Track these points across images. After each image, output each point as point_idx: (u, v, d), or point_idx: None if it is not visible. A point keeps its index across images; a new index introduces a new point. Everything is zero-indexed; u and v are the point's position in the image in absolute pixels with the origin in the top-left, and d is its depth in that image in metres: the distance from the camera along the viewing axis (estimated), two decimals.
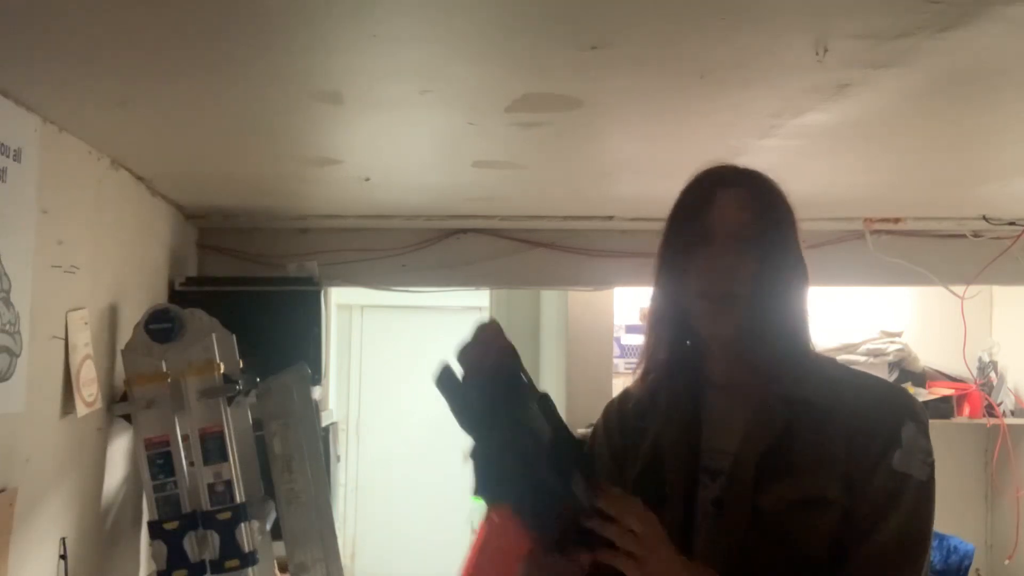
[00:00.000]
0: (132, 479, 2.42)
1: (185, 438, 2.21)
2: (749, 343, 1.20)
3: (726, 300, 1.17)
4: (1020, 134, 2.03)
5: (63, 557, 1.96)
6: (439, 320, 5.42)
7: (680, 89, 1.68)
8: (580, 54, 1.46)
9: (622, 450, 1.30)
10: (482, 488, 1.06)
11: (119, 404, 2.25)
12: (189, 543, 2.15)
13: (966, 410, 3.72)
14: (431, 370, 1.06)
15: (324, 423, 2.88)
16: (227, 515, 2.17)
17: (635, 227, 3.17)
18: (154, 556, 2.18)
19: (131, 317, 2.32)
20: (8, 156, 1.67)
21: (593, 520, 1.06)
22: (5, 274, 1.67)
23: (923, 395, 3.64)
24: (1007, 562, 3.80)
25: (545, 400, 1.09)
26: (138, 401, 2.18)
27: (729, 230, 1.18)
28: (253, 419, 2.44)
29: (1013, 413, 3.79)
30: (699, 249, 1.18)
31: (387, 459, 5.96)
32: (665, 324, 1.26)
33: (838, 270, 3.21)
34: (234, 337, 2.35)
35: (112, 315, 2.30)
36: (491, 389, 1.04)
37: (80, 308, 2.05)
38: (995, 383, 3.77)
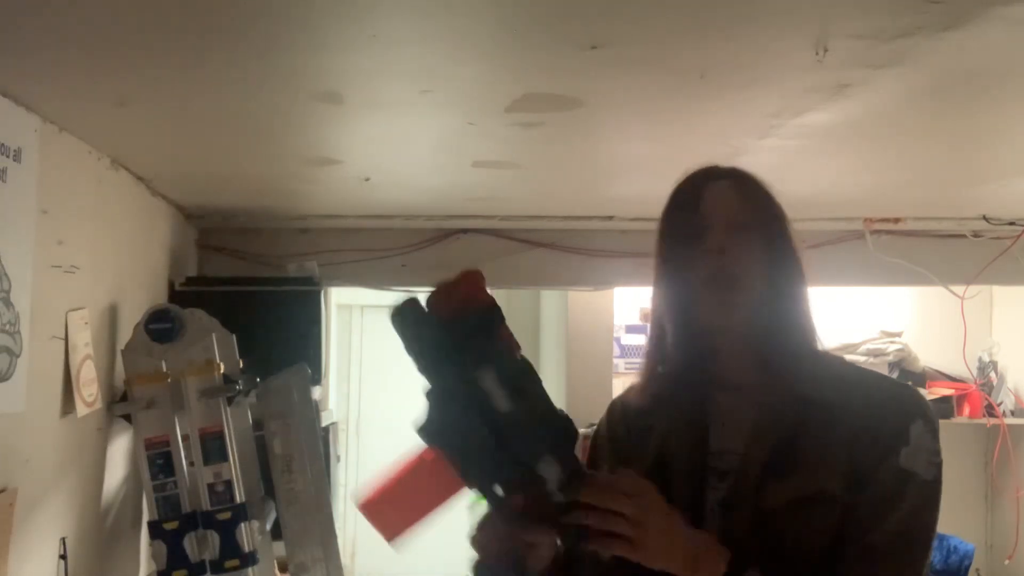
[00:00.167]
0: (132, 479, 2.42)
1: (185, 438, 2.21)
2: (757, 339, 1.19)
3: (730, 284, 1.16)
4: (1020, 134, 2.03)
5: (63, 557, 1.96)
6: None
7: (680, 89, 1.68)
8: (580, 54, 1.46)
9: (627, 450, 1.29)
10: (424, 428, 1.03)
11: (119, 404, 2.25)
12: (189, 543, 2.15)
13: (966, 410, 3.73)
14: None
15: (324, 423, 2.88)
16: (227, 515, 2.17)
17: (635, 227, 3.17)
18: (154, 556, 2.18)
19: (131, 317, 2.32)
20: (8, 156, 1.67)
21: (572, 515, 1.05)
22: (5, 274, 1.67)
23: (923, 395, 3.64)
24: (1007, 562, 3.81)
25: (520, 371, 1.04)
26: (138, 401, 2.18)
27: (723, 217, 1.18)
28: (253, 419, 2.44)
29: (1013, 413, 3.79)
30: (696, 241, 1.19)
31: (387, 459, 5.94)
32: (669, 322, 1.25)
33: (838, 270, 3.21)
34: (234, 337, 2.35)
35: (112, 315, 2.30)
36: (447, 336, 1.00)
37: (80, 308, 2.05)
38: (995, 383, 3.77)
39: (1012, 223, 3.17)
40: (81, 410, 2.03)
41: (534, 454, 1.04)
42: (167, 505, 2.16)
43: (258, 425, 2.46)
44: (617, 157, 2.32)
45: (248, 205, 3.03)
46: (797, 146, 2.08)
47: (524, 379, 1.04)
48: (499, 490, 1.06)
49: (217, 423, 2.21)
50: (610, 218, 3.17)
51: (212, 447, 2.20)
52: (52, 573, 1.94)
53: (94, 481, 2.21)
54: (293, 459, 2.44)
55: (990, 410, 3.72)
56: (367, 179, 2.55)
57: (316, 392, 2.77)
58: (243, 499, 2.21)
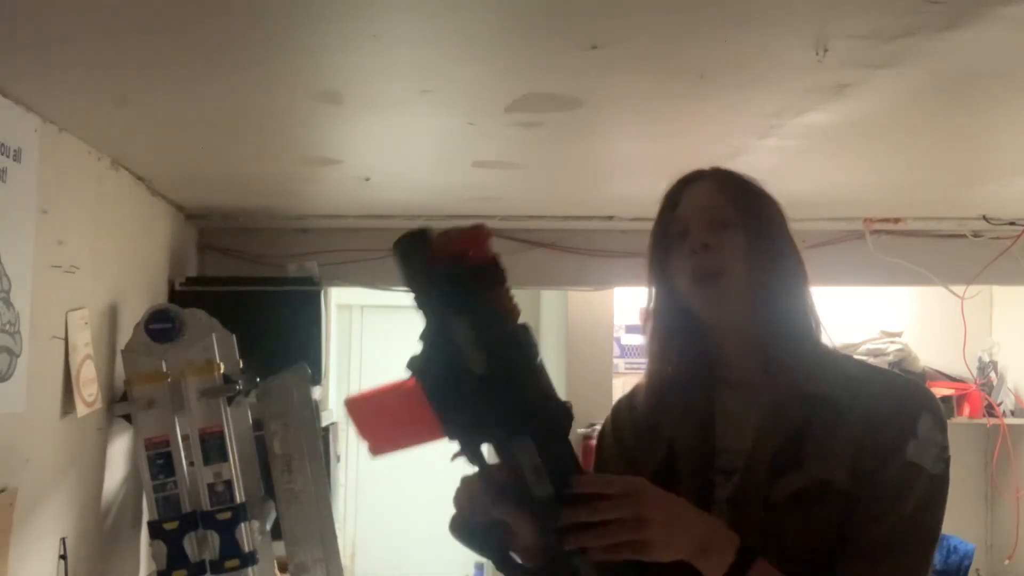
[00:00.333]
0: (132, 479, 2.42)
1: (185, 438, 2.21)
2: (756, 336, 1.19)
3: (715, 276, 1.17)
4: (1020, 134, 2.03)
5: (63, 557, 1.96)
6: None
7: (680, 89, 1.68)
8: (580, 54, 1.46)
9: (635, 451, 1.28)
10: (411, 362, 1.00)
11: (119, 404, 2.25)
12: (189, 543, 2.15)
13: (966, 410, 3.73)
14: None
15: (324, 423, 2.88)
16: (227, 515, 2.17)
17: (635, 227, 3.16)
18: (154, 556, 2.18)
19: (131, 317, 2.32)
20: (8, 156, 1.67)
21: (570, 538, 1.01)
22: (5, 274, 1.67)
23: None
24: (1007, 562, 3.81)
25: (506, 337, 0.99)
26: (138, 401, 2.18)
27: (702, 217, 1.20)
28: (253, 419, 2.44)
29: (1013, 413, 3.79)
30: (679, 242, 1.21)
31: (387, 459, 5.95)
32: (668, 322, 1.25)
33: (838, 270, 3.21)
34: (234, 337, 2.35)
35: (112, 315, 2.30)
36: (439, 279, 0.97)
37: (80, 308, 2.05)
38: (995, 383, 3.78)
39: (1012, 223, 3.17)
40: (81, 410, 2.03)
41: (507, 429, 1.00)
42: (167, 505, 2.16)
43: (258, 425, 2.46)
44: (617, 157, 2.32)
45: (248, 205, 3.03)
46: (797, 146, 2.08)
47: (508, 346, 1.00)
48: (483, 452, 1.03)
49: (217, 423, 2.21)
50: (610, 218, 3.17)
51: (212, 447, 2.20)
52: (52, 573, 1.94)
53: (94, 481, 2.21)
54: (293, 459, 2.44)
55: (990, 410, 3.72)
56: (367, 179, 2.55)
57: (316, 392, 2.76)
58: (243, 499, 2.21)
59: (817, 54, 1.43)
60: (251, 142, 2.15)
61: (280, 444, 2.45)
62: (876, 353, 3.76)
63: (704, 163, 1.29)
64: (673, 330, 1.26)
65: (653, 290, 1.28)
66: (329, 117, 1.88)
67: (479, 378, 0.98)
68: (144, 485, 2.19)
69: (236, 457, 2.24)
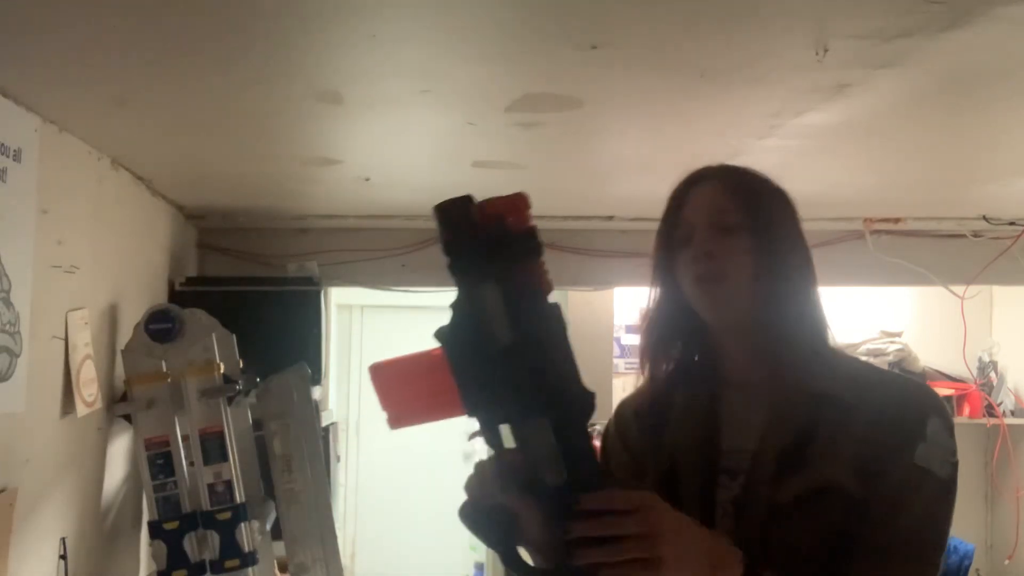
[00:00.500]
0: (132, 479, 2.42)
1: (185, 438, 2.21)
2: (761, 336, 1.18)
3: (718, 279, 1.16)
4: (1020, 134, 2.03)
5: (63, 557, 1.96)
6: (439, 320, 5.36)
7: (680, 89, 1.68)
8: (580, 54, 1.46)
9: (641, 452, 1.27)
10: (439, 331, 0.98)
11: (119, 404, 2.25)
12: (189, 543, 2.15)
13: (966, 410, 3.73)
14: None
15: (324, 423, 2.88)
16: (227, 515, 2.17)
17: (635, 227, 3.17)
18: (154, 556, 2.18)
19: (131, 317, 2.32)
20: (8, 156, 1.67)
21: (579, 554, 0.98)
22: (5, 274, 1.67)
23: None
24: (1007, 562, 3.80)
25: (537, 312, 0.96)
26: (138, 401, 2.18)
27: (707, 221, 1.18)
28: (253, 419, 2.44)
29: (1013, 413, 3.79)
30: (684, 245, 1.20)
31: (387, 459, 5.95)
32: (672, 323, 1.25)
33: (838, 270, 3.20)
34: (234, 337, 2.35)
35: (112, 315, 2.30)
36: (475, 244, 0.95)
37: (80, 308, 2.05)
38: (995, 383, 3.77)
39: (1012, 223, 3.17)
40: (81, 410, 2.03)
41: (525, 407, 0.96)
42: (167, 505, 2.16)
43: (258, 425, 2.46)
44: (617, 157, 2.32)
45: (248, 205, 3.03)
46: (797, 146, 2.08)
47: (538, 319, 0.96)
48: (503, 434, 0.99)
49: (217, 423, 2.21)
50: (610, 218, 3.17)
51: (212, 447, 2.20)
52: (52, 573, 1.94)
53: (94, 481, 2.21)
54: (293, 459, 2.44)
55: (990, 410, 3.72)
56: (367, 179, 2.55)
57: (316, 392, 2.76)
58: (243, 499, 2.21)
59: (817, 54, 1.43)
60: (251, 142, 2.15)
61: (280, 444, 2.45)
62: (876, 353, 3.76)
63: (704, 163, 1.26)
64: (677, 330, 1.25)
65: (656, 290, 1.26)
66: (329, 117, 1.88)
67: (504, 349, 0.95)
68: (144, 485, 2.19)
69: (236, 457, 2.24)
